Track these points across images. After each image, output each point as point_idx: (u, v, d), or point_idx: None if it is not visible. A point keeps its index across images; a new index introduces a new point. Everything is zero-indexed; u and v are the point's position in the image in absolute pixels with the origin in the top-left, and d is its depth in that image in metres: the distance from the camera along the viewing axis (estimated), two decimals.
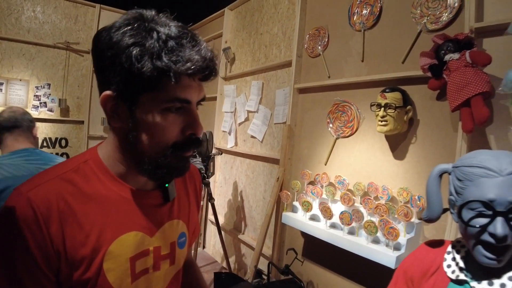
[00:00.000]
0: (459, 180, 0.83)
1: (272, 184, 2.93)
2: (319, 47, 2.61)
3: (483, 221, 0.76)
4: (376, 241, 1.89)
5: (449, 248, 0.94)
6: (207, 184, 3.05)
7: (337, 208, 2.14)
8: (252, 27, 3.66)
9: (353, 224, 1.96)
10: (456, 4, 1.80)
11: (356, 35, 2.34)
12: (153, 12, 0.67)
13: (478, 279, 0.83)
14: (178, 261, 0.82)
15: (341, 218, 1.99)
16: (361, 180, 2.14)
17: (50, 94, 4.13)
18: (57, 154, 4.11)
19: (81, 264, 0.64)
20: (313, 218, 2.33)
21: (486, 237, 0.76)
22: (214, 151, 3.46)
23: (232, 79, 3.97)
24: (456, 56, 1.63)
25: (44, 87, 4.09)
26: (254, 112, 3.40)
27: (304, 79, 2.77)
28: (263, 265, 2.79)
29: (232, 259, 3.65)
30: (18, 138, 1.56)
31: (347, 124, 2.32)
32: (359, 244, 1.90)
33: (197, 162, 2.91)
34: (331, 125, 2.45)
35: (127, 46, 0.60)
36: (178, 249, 0.81)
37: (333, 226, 2.16)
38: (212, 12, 4.44)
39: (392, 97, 1.83)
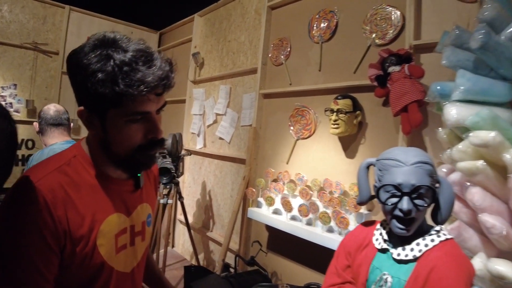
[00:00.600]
0: (379, 170, 1.09)
1: (239, 183, 3.13)
2: (282, 57, 2.86)
3: (394, 200, 1.01)
4: (330, 230, 2.15)
5: (378, 226, 1.19)
6: (177, 184, 3.19)
7: (297, 202, 2.38)
8: (221, 34, 3.85)
9: (310, 215, 2.21)
10: (399, 23, 2.10)
11: (315, 47, 2.61)
12: (114, 36, 0.77)
13: (396, 247, 1.08)
14: (147, 237, 0.99)
15: (299, 211, 2.23)
16: (317, 176, 2.40)
17: (16, 95, 4.09)
18: (23, 156, 4.07)
19: (81, 241, 0.78)
20: (276, 212, 2.56)
21: (397, 212, 1.01)
22: (183, 151, 3.61)
23: (201, 82, 4.14)
24: (397, 68, 1.92)
25: (10, 88, 4.04)
26: (222, 115, 3.59)
27: (269, 85, 3.01)
28: (231, 260, 2.97)
29: (201, 256, 3.79)
30: (63, 132, 2.02)
31: (306, 127, 2.58)
32: (316, 233, 2.15)
33: (167, 163, 3.05)
34: (292, 128, 2.70)
35: (92, 72, 0.71)
36: (147, 227, 0.99)
37: (293, 218, 2.40)
38: (183, 17, 4.59)
39: (343, 103, 2.09)
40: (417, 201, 0.99)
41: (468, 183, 1.33)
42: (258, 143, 3.04)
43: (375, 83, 2.01)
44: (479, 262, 1.30)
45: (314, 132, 2.53)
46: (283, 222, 2.39)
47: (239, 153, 3.32)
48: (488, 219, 1.23)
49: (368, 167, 1.19)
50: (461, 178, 1.36)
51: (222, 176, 3.57)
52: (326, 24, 2.55)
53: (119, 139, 0.79)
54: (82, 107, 0.78)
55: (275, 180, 2.72)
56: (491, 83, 1.32)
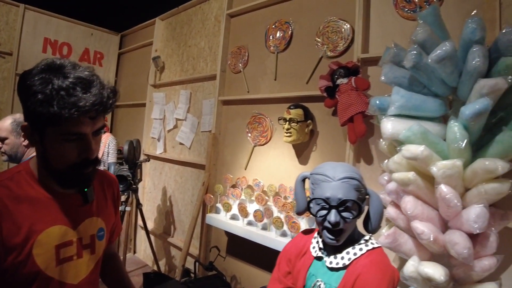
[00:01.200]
0: (312, 183, 1.16)
1: (199, 189, 3.14)
2: (240, 64, 2.92)
3: (324, 212, 1.09)
4: (284, 234, 2.22)
5: (315, 234, 1.27)
6: (135, 191, 3.15)
7: (254, 207, 2.43)
8: (182, 39, 3.85)
9: (265, 220, 2.27)
10: (349, 36, 2.21)
11: (271, 56, 2.68)
12: (62, 62, 0.84)
13: (330, 255, 1.16)
14: (97, 251, 1.03)
15: (255, 216, 2.29)
16: (273, 182, 2.47)
17: None
18: None
19: (15, 250, 0.82)
20: (234, 217, 2.60)
21: (326, 223, 1.09)
22: (141, 158, 3.57)
23: (162, 87, 4.10)
24: (345, 80, 2.02)
25: None
26: (183, 120, 3.59)
27: (228, 92, 3.05)
28: (191, 265, 2.98)
29: (162, 262, 3.76)
30: None
31: (262, 134, 2.64)
32: (270, 238, 2.22)
33: (123, 170, 3.00)
34: (249, 135, 2.76)
35: (33, 93, 0.80)
36: (97, 241, 1.02)
37: (250, 223, 2.45)
38: (144, 20, 4.52)
39: (295, 113, 2.18)
40: (344, 214, 1.07)
41: (402, 192, 1.44)
42: (217, 149, 3.06)
43: (325, 94, 2.10)
44: (411, 265, 1.42)
45: (270, 139, 2.60)
46: (240, 227, 2.44)
47: (199, 158, 3.33)
48: (419, 226, 1.34)
49: (303, 180, 1.26)
50: (397, 187, 1.47)
51: (183, 181, 3.57)
52: (281, 34, 2.62)
53: (55, 155, 0.86)
54: (25, 123, 0.87)
55: (233, 186, 2.77)
56: (423, 100, 1.44)
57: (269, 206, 2.32)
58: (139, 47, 4.69)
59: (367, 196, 1.16)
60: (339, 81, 2.03)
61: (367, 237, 1.17)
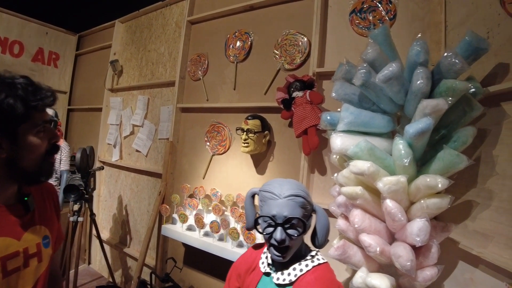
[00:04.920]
0: (260, 200, 1.16)
1: (156, 198, 3.05)
2: (200, 72, 2.88)
3: (270, 230, 1.09)
4: (240, 245, 2.21)
5: (265, 250, 1.27)
6: (88, 200, 3.00)
7: (211, 218, 2.40)
8: (141, 43, 3.75)
9: (221, 231, 2.24)
10: (306, 51, 2.26)
11: (230, 66, 2.68)
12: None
13: (278, 271, 1.16)
14: (44, 259, 1.04)
15: (211, 227, 2.26)
16: (231, 192, 2.45)
17: None
18: None
19: None
20: (190, 228, 2.55)
21: (273, 241, 1.09)
22: (96, 166, 3.42)
23: (119, 91, 3.97)
24: (300, 94, 2.06)
25: None
26: (140, 126, 3.48)
27: (187, 99, 3.01)
28: (148, 276, 2.88)
29: (118, 273, 3.62)
30: None
31: (221, 143, 2.63)
32: (226, 249, 2.19)
33: (75, 179, 2.86)
34: (208, 143, 2.73)
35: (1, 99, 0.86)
36: (43, 248, 1.03)
37: (206, 234, 2.41)
38: (103, 21, 4.36)
39: (253, 123, 2.18)
40: (290, 231, 1.08)
41: (351, 206, 1.48)
42: (175, 157, 3.00)
43: (282, 106, 2.13)
44: (359, 277, 1.46)
45: (229, 149, 2.59)
46: (196, 238, 2.39)
47: (156, 167, 3.25)
48: (366, 239, 1.38)
49: (253, 196, 1.26)
50: (346, 200, 1.51)
51: (139, 190, 3.46)
52: (241, 44, 2.63)
53: (31, 150, 0.93)
54: None
55: (191, 196, 2.72)
56: (372, 116, 1.49)
57: (226, 217, 2.30)
58: (97, 50, 4.52)
59: (313, 213, 1.18)
60: (294, 94, 2.07)
61: (313, 253, 1.18)
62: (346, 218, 1.56)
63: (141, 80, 3.64)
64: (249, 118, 2.21)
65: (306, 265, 1.14)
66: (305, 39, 2.26)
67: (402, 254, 1.30)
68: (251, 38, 2.58)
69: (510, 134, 1.34)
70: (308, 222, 1.14)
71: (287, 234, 1.08)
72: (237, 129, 2.28)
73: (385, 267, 1.54)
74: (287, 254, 1.11)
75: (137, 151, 3.50)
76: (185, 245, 2.83)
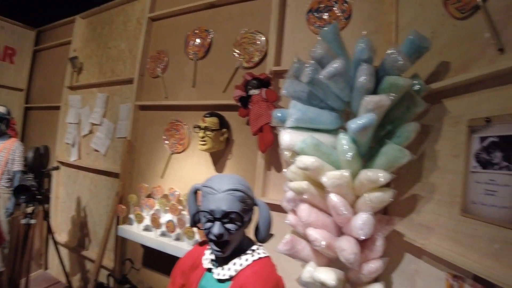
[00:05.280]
0: (202, 196, 1.15)
1: (113, 198, 2.96)
2: (159, 69, 2.83)
3: (209, 225, 1.08)
4: None
5: (209, 246, 1.25)
6: (41, 202, 2.86)
7: (168, 218, 2.35)
8: (102, 40, 3.64)
9: (178, 231, 2.20)
10: (264, 49, 2.26)
11: (190, 63, 2.65)
12: None
13: (219, 266, 1.15)
14: None
15: (167, 227, 2.21)
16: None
17: None
18: None
19: None
20: (147, 228, 2.48)
21: (211, 236, 1.08)
22: (53, 165, 3.28)
23: (78, 89, 3.83)
24: (257, 91, 2.06)
25: None
26: (98, 125, 3.37)
27: (146, 97, 2.94)
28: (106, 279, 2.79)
29: (77, 277, 3.47)
30: None
31: (180, 141, 2.59)
32: (183, 249, 2.15)
33: (27, 179, 2.72)
34: (167, 142, 2.68)
35: None
36: None
37: (163, 234, 2.36)
38: (63, 16, 4.19)
39: (210, 121, 2.16)
40: (229, 226, 1.07)
41: (299, 201, 1.49)
42: (133, 156, 2.93)
43: (239, 104, 2.12)
44: (307, 271, 1.47)
45: (187, 147, 2.56)
46: (152, 239, 2.33)
47: (114, 166, 3.15)
48: (312, 233, 1.40)
49: (196, 192, 1.25)
50: (295, 196, 1.52)
51: (97, 191, 3.34)
52: (201, 42, 2.61)
53: None
54: None
55: (149, 196, 2.66)
56: (319, 113, 1.51)
57: (182, 216, 2.26)
58: (57, 46, 4.34)
59: (256, 207, 1.17)
60: (251, 92, 2.07)
61: (255, 247, 1.18)
62: (295, 213, 1.57)
63: (101, 77, 3.53)
64: (207, 115, 2.19)
65: (246, 260, 1.13)
66: (263, 38, 2.27)
67: (346, 247, 1.32)
68: (211, 35, 2.56)
69: (451, 129, 1.39)
70: (247, 216, 1.13)
71: (226, 228, 1.07)
72: (194, 127, 2.25)
73: (335, 261, 1.56)
74: (226, 249, 1.10)
75: (95, 150, 3.38)
76: (143, 246, 2.75)
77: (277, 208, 1.80)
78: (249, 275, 1.07)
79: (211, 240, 1.10)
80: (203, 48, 2.58)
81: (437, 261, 1.36)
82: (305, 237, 1.57)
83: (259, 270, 1.10)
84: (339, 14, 2.06)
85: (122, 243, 2.90)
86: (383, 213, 1.70)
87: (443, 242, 1.35)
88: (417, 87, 1.44)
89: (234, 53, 2.39)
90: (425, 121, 1.54)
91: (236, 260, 1.13)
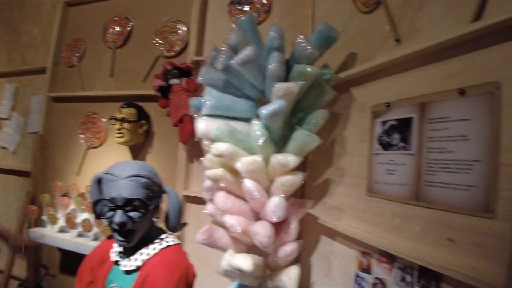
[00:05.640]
0: (104, 184, 1.08)
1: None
2: (75, 58, 2.63)
3: (111, 213, 1.02)
4: None
5: None
6: None
7: (85, 217, 2.19)
8: (11, 24, 3.27)
9: (95, 229, 2.06)
10: (185, 38, 2.21)
11: (108, 52, 2.50)
12: None
13: (126, 257, 1.09)
14: None
15: (83, 226, 2.06)
16: None
17: None
18: None
19: None
20: (63, 230, 2.29)
21: (114, 225, 1.02)
22: None
23: None
24: (177, 81, 2.00)
25: None
26: (6, 119, 3.04)
27: (60, 88, 2.72)
28: None
29: None
30: None
31: (96, 135, 2.43)
32: None
33: None
34: (82, 136, 2.50)
35: None
36: None
37: (81, 235, 2.20)
38: None
39: (128, 112, 2.06)
40: (132, 214, 1.02)
41: (216, 189, 1.48)
42: (46, 153, 2.68)
43: (159, 94, 2.05)
44: (225, 259, 1.46)
45: (105, 141, 2.41)
46: (68, 240, 2.16)
47: (26, 165, 2.85)
48: (228, 220, 1.39)
49: (99, 181, 1.17)
50: (212, 184, 1.51)
51: (5, 192, 3.00)
52: (120, 29, 2.47)
53: None
54: None
55: (65, 195, 2.45)
56: (234, 101, 1.51)
57: None
58: None
59: (164, 194, 1.13)
60: (171, 81, 2.01)
61: (164, 236, 1.14)
62: (213, 202, 1.56)
63: (9, 66, 3.18)
64: (124, 106, 2.08)
65: (154, 249, 1.09)
66: (185, 27, 2.22)
67: (259, 231, 1.34)
68: (131, 23, 2.44)
69: (357, 116, 1.48)
70: (153, 204, 1.09)
71: (129, 217, 1.02)
72: (110, 118, 2.13)
73: (254, 248, 1.57)
74: (131, 239, 1.05)
75: (3, 147, 3.04)
76: (60, 249, 2.54)
77: (201, 200, 1.77)
78: (156, 264, 1.04)
79: (114, 230, 1.04)
80: (122, 36, 2.45)
81: (348, 240, 1.44)
82: (223, 225, 1.57)
83: (166, 259, 1.06)
84: (260, 7, 2.09)
85: (34, 248, 2.64)
86: (301, 198, 1.77)
87: (353, 222, 1.43)
88: (326, 76, 1.51)
89: (155, 42, 2.30)
90: (335, 109, 1.62)
91: (143, 250, 1.08)
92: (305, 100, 1.50)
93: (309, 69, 1.37)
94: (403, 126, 1.21)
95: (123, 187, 1.01)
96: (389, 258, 1.22)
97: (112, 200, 1.01)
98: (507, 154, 0.86)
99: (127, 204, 1.01)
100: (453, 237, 0.99)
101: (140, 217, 1.03)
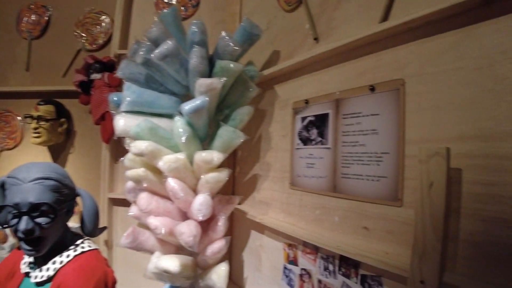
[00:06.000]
0: (7, 189, 0.97)
1: None
2: None
3: (16, 221, 0.92)
4: None
5: None
6: None
7: None
8: None
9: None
10: (109, 31, 2.08)
11: (23, 43, 2.27)
12: None
13: (38, 268, 0.99)
14: None
15: None
16: None
17: None
18: None
19: None
20: None
21: (19, 233, 0.92)
22: None
23: None
24: (99, 76, 1.88)
25: None
26: None
27: None
28: None
29: None
30: None
31: (10, 135, 2.21)
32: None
33: None
34: None
35: None
36: None
37: None
38: None
39: (45, 109, 1.90)
40: (40, 220, 0.93)
41: (139, 190, 1.41)
42: None
43: (80, 90, 1.91)
44: (152, 263, 1.41)
45: (20, 142, 2.20)
46: None
47: None
48: (152, 221, 1.34)
49: (2, 186, 1.06)
50: (135, 185, 1.44)
51: None
52: (36, 18, 2.26)
53: None
54: None
55: None
56: (156, 96, 1.46)
57: None
58: None
59: (78, 197, 1.05)
60: (93, 76, 1.89)
61: (79, 241, 1.06)
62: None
63: None
64: (41, 103, 1.91)
65: (68, 256, 1.00)
66: (109, 19, 2.09)
67: (184, 231, 1.30)
68: (49, 12, 2.24)
69: (280, 112, 1.51)
70: (64, 208, 1.00)
71: (36, 223, 0.92)
72: (25, 117, 1.94)
73: (184, 248, 1.53)
74: (41, 247, 0.95)
75: None
76: None
77: (127, 202, 1.68)
78: (69, 271, 0.95)
79: (20, 239, 0.93)
80: (39, 26, 2.24)
81: (275, 233, 1.47)
82: (148, 227, 1.51)
83: (81, 266, 0.98)
84: (188, 1, 2.03)
85: None
86: (231, 194, 1.77)
87: (278, 215, 1.46)
88: (251, 73, 1.52)
89: (76, 34, 2.14)
90: (261, 106, 1.64)
91: (56, 258, 0.99)
92: (230, 96, 1.49)
93: (232, 65, 1.36)
94: (320, 122, 1.25)
95: (28, 191, 0.91)
96: (313, 249, 1.26)
97: (16, 206, 0.91)
98: (411, 146, 0.93)
99: (34, 209, 0.92)
100: (368, 226, 1.05)
101: (48, 223, 0.94)
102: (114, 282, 1.07)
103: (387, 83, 1.02)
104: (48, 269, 0.98)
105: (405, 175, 0.94)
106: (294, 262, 1.36)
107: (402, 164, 0.96)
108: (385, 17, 1.05)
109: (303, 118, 1.34)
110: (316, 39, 1.33)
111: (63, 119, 1.97)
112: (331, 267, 1.18)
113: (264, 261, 1.57)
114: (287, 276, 1.40)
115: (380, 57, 1.05)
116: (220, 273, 1.46)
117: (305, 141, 1.32)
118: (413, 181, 0.92)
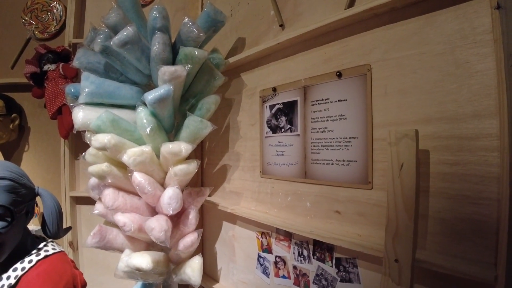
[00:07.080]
0: None
1: None
2: None
3: None
4: None
5: None
6: None
7: None
8: None
9: None
10: (62, 19, 1.94)
11: None
12: None
13: None
14: None
15: None
16: None
17: None
18: None
19: None
20: None
21: None
22: None
23: None
24: (53, 67, 1.75)
25: None
26: None
27: None
28: None
29: None
30: None
31: None
32: None
33: None
34: None
35: None
36: None
37: None
38: None
39: None
40: None
41: (103, 186, 1.34)
42: None
43: (31, 82, 1.78)
44: (122, 262, 1.35)
45: None
46: None
47: None
48: (120, 218, 1.28)
49: None
50: (99, 181, 1.36)
51: None
52: None
53: None
54: None
55: None
56: (117, 86, 1.37)
57: None
58: None
59: (38, 197, 0.98)
60: (46, 67, 1.76)
61: (42, 245, 0.99)
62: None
63: None
64: None
65: (30, 261, 0.93)
66: (61, 6, 1.94)
67: (154, 226, 1.26)
68: None
69: (248, 101, 1.48)
70: (22, 210, 0.93)
71: None
72: None
73: (155, 244, 1.49)
74: None
75: None
76: None
77: (91, 200, 1.60)
78: (33, 278, 0.89)
79: None
80: None
81: (248, 223, 1.46)
82: (116, 225, 1.45)
83: (46, 270, 0.92)
84: None
85: None
86: (201, 186, 1.73)
87: (250, 204, 1.45)
88: (216, 60, 1.47)
89: (24, 22, 1.97)
90: (228, 94, 1.61)
91: (17, 265, 0.91)
92: (196, 85, 1.45)
93: (196, 52, 1.31)
94: (288, 109, 1.24)
95: None
96: (286, 235, 1.27)
97: None
98: (379, 129, 0.94)
99: None
100: (340, 209, 1.06)
101: (5, 227, 0.86)
102: (84, 285, 1.02)
103: (354, 69, 1.03)
104: (9, 277, 0.91)
105: (374, 158, 0.96)
106: (268, 250, 1.36)
107: (371, 147, 0.97)
108: (351, 3, 1.05)
109: (271, 106, 1.33)
110: (281, 25, 1.31)
111: (14, 115, 1.83)
112: (305, 253, 1.20)
113: (238, 251, 1.56)
114: (261, 265, 1.40)
115: (347, 43, 1.06)
116: (194, 266, 1.43)
117: (274, 129, 1.31)
118: (382, 164, 0.94)
